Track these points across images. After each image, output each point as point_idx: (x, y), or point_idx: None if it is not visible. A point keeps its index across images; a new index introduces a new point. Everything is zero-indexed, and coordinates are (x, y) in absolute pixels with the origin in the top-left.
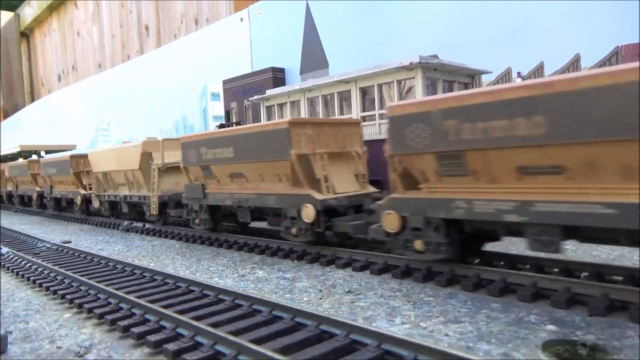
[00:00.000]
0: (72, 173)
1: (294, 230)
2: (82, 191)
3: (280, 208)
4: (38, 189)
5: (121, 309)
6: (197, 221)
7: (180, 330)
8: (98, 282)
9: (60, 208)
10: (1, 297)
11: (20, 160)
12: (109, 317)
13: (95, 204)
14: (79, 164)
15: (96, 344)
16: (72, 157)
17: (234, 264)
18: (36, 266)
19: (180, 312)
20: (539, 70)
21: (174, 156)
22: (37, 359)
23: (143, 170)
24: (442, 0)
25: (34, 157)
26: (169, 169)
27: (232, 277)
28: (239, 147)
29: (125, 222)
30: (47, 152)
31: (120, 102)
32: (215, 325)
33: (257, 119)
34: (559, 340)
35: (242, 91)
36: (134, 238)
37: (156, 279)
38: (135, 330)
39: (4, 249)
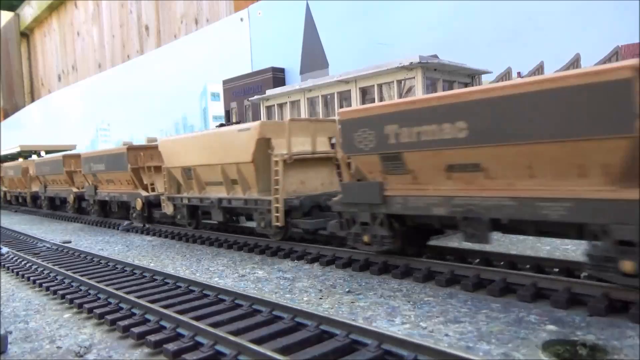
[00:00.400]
0: (130, 169)
1: (627, 266)
2: (144, 192)
3: (579, 224)
4: (75, 189)
5: (121, 309)
6: (365, 238)
7: (180, 330)
8: (98, 282)
9: (105, 213)
10: (1, 297)
11: (52, 154)
12: (109, 317)
13: (168, 209)
14: (138, 158)
15: (96, 344)
16: (130, 149)
17: (234, 264)
18: (36, 266)
19: (181, 312)
20: (539, 70)
21: (301, 143)
22: (37, 359)
23: (256, 164)
24: (442, 0)
25: (34, 157)
26: (295, 162)
27: (232, 277)
28: (481, 119)
29: (125, 222)
30: (47, 152)
31: (120, 102)
32: (215, 325)
33: (257, 119)
34: (559, 340)
35: (242, 91)
36: (134, 238)
37: (156, 279)
38: (135, 330)
39: (4, 249)
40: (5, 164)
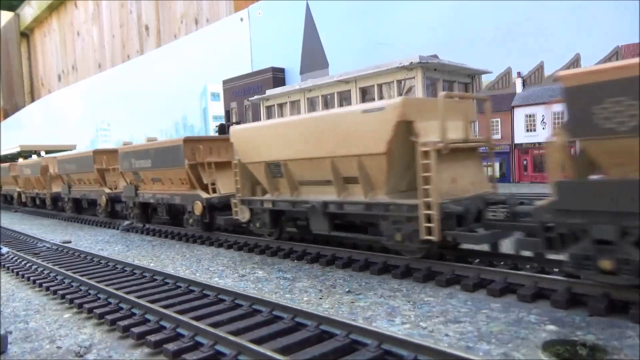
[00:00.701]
0: (188, 166)
1: None
2: (204, 194)
3: None
4: (107, 190)
5: (121, 309)
6: (605, 264)
7: (180, 330)
8: (98, 282)
9: (147, 218)
10: (1, 297)
11: (79, 150)
12: (109, 317)
13: (242, 215)
14: (196, 152)
15: (96, 344)
16: (187, 141)
17: (234, 264)
18: (36, 266)
19: (180, 312)
20: (539, 70)
21: (456, 128)
22: (37, 359)
23: (391, 156)
24: (442, 0)
25: (34, 156)
26: (448, 154)
27: (232, 277)
28: None
29: (125, 222)
30: (47, 152)
31: (120, 102)
32: (215, 325)
33: (257, 119)
34: (559, 340)
35: (242, 91)
36: (134, 238)
37: (156, 279)
38: (135, 330)
39: (4, 249)
40: (21, 162)
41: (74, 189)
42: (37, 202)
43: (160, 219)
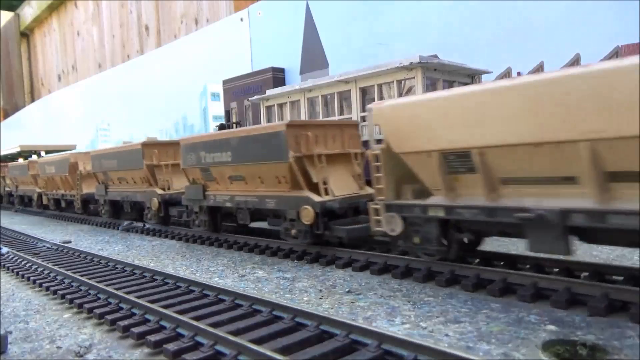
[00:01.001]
0: (293, 159)
1: None
2: (315, 197)
3: None
4: (160, 190)
5: (121, 309)
6: None
7: (180, 330)
8: (98, 282)
9: (215, 225)
10: (1, 297)
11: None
12: (109, 317)
13: (389, 225)
14: (301, 141)
15: (96, 344)
16: (290, 126)
17: (234, 264)
18: (36, 266)
19: (180, 312)
20: (539, 70)
21: None
22: (37, 359)
23: None
24: (442, 0)
25: (34, 157)
26: None
27: (232, 277)
28: None
29: (126, 222)
30: (47, 152)
31: (120, 102)
32: (215, 325)
33: (257, 119)
34: (559, 340)
35: (242, 91)
36: (134, 238)
37: (156, 279)
38: (135, 330)
39: (4, 249)
40: (42, 159)
41: (111, 189)
42: (63, 204)
43: (231, 228)
